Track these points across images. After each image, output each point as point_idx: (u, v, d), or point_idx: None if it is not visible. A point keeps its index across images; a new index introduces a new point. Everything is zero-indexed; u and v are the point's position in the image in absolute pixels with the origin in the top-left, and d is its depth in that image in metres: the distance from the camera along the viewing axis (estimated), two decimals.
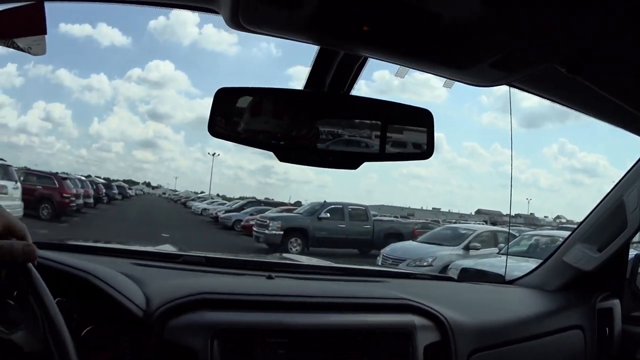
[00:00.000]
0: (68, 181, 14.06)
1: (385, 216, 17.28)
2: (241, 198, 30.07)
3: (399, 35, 0.74)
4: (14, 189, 10.78)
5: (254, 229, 12.83)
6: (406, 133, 0.91)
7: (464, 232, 9.40)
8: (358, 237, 12.77)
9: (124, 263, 1.18)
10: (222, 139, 0.88)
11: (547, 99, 1.06)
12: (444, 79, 0.93)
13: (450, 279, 1.59)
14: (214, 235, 15.16)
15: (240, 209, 19.48)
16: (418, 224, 15.86)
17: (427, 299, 1.12)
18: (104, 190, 22.11)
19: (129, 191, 33.29)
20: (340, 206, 13.47)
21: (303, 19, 0.71)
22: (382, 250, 9.33)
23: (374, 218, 13.97)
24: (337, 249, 11.93)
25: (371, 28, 0.73)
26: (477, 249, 8.57)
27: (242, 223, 15.99)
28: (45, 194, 12.86)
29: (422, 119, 0.90)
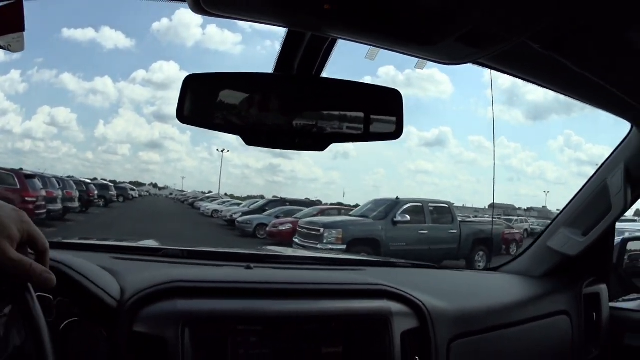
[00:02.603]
0: (35, 180, 10.82)
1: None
2: (249, 197, 29.07)
3: (362, 12, 0.73)
4: None
5: (297, 240, 9.43)
6: (375, 114, 0.89)
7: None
8: (442, 247, 9.24)
9: (103, 257, 1.17)
10: (191, 125, 0.88)
11: (522, 78, 1.04)
12: (421, 63, 0.92)
13: (432, 267, 1.58)
14: (234, 247, 11.59)
15: (260, 210, 15.64)
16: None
17: (405, 286, 1.11)
18: (95, 192, 17.94)
19: (132, 192, 29.60)
20: (420, 204, 9.66)
21: None
22: None
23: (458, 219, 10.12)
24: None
25: (332, 6, 0.71)
26: None
27: (267, 229, 12.48)
28: (2, 197, 9.10)
29: (391, 99, 0.89)
